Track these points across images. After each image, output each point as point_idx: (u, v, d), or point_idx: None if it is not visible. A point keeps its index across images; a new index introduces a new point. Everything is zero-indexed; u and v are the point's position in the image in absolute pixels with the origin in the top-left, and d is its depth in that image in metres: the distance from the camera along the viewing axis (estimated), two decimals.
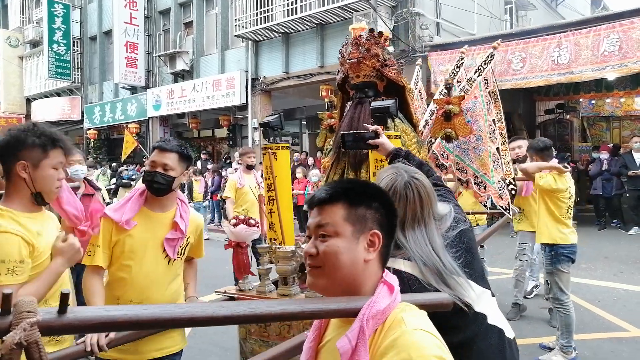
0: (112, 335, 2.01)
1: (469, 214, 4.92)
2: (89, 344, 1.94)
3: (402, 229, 1.53)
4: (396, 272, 1.40)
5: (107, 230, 2.21)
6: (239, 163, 11.02)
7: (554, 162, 4.18)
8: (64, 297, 0.81)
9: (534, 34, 9.44)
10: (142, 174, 2.32)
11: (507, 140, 3.61)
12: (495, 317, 1.64)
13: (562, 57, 8.92)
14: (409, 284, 1.44)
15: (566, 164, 4.41)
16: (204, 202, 12.14)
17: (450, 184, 5.64)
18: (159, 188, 2.22)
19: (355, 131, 2.51)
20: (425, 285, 1.43)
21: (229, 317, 0.84)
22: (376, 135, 2.38)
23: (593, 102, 14.95)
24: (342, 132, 2.43)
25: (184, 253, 2.38)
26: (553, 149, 4.33)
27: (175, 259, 2.31)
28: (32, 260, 1.81)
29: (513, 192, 3.50)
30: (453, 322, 1.48)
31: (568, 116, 14.46)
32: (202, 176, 12.49)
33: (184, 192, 10.88)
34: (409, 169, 1.68)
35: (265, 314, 0.88)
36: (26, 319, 0.81)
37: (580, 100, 14.38)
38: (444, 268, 1.45)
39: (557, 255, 4.10)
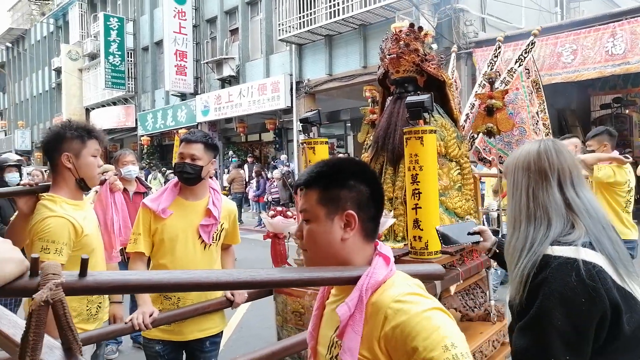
0: (155, 315, 2.17)
1: None
2: (136, 323, 2.10)
3: (564, 188, 1.36)
4: (586, 264, 1.23)
5: (146, 219, 2.36)
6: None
7: (615, 153, 3.99)
8: (84, 262, 0.90)
9: (586, 25, 9.04)
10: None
11: (550, 132, 3.49)
12: None
13: (616, 48, 8.51)
14: (598, 278, 1.21)
15: (627, 154, 4.21)
16: None
17: (494, 180, 5.53)
18: (188, 177, 2.35)
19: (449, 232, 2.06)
20: (613, 279, 1.24)
21: (231, 283, 0.90)
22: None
23: None
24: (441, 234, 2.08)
25: (219, 238, 2.50)
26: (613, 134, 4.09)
27: (211, 244, 2.43)
28: (77, 241, 2.03)
29: None
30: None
31: (627, 111, 13.67)
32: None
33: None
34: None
35: (265, 280, 0.93)
36: (52, 280, 0.89)
37: None
38: (624, 255, 1.29)
39: None
